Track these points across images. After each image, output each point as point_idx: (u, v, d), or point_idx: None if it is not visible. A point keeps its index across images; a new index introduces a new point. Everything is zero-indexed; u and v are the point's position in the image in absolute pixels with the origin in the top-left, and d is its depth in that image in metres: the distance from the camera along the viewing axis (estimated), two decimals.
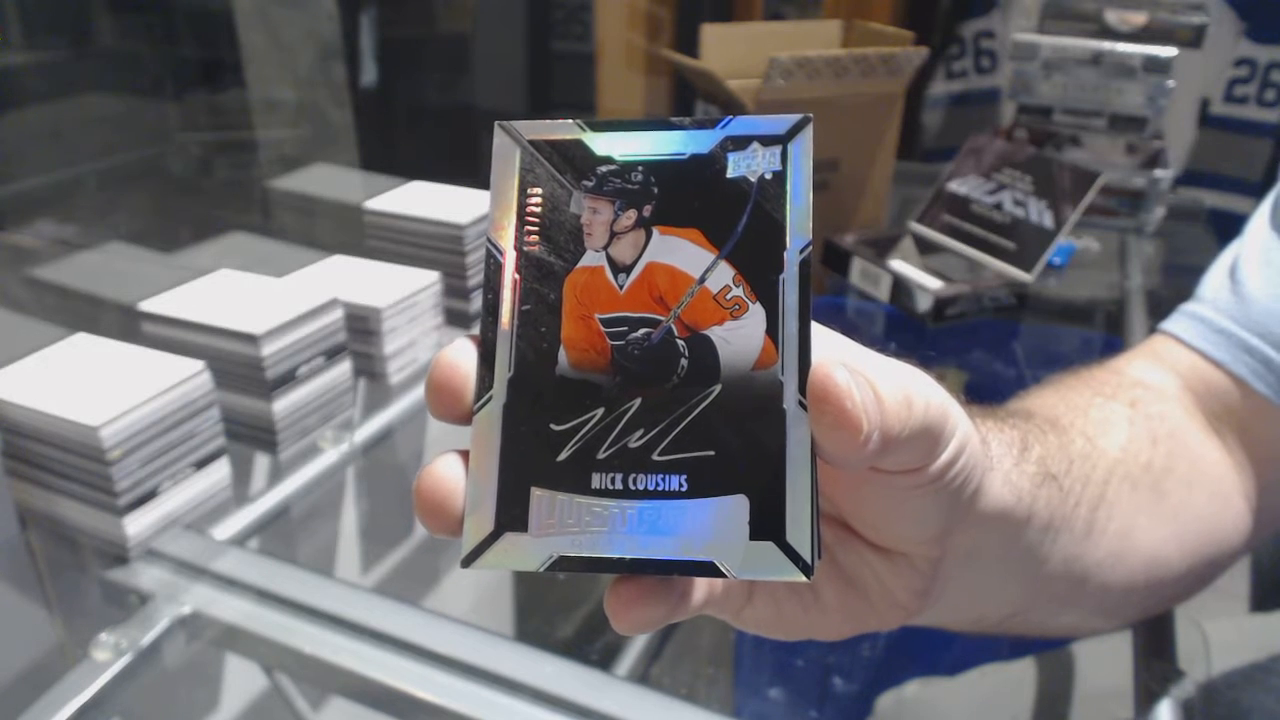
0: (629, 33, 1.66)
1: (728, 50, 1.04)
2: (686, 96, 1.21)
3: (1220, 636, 0.59)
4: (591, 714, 0.47)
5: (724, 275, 0.23)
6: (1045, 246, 0.93)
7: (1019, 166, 0.99)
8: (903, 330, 0.95)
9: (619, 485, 0.22)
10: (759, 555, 0.22)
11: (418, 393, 0.79)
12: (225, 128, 1.03)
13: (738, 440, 0.22)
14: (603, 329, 0.23)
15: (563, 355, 0.23)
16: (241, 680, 0.67)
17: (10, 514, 0.59)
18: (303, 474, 0.68)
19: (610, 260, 0.24)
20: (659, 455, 0.22)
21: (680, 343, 0.23)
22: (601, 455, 0.22)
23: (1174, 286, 1.02)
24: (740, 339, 0.23)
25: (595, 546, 0.22)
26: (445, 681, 0.49)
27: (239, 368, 0.65)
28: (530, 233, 0.24)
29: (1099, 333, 1.03)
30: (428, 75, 1.52)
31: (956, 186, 1.03)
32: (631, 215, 0.24)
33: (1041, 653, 0.66)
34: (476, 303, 0.84)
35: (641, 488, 0.22)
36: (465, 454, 0.23)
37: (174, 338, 0.66)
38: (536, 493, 0.22)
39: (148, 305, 0.67)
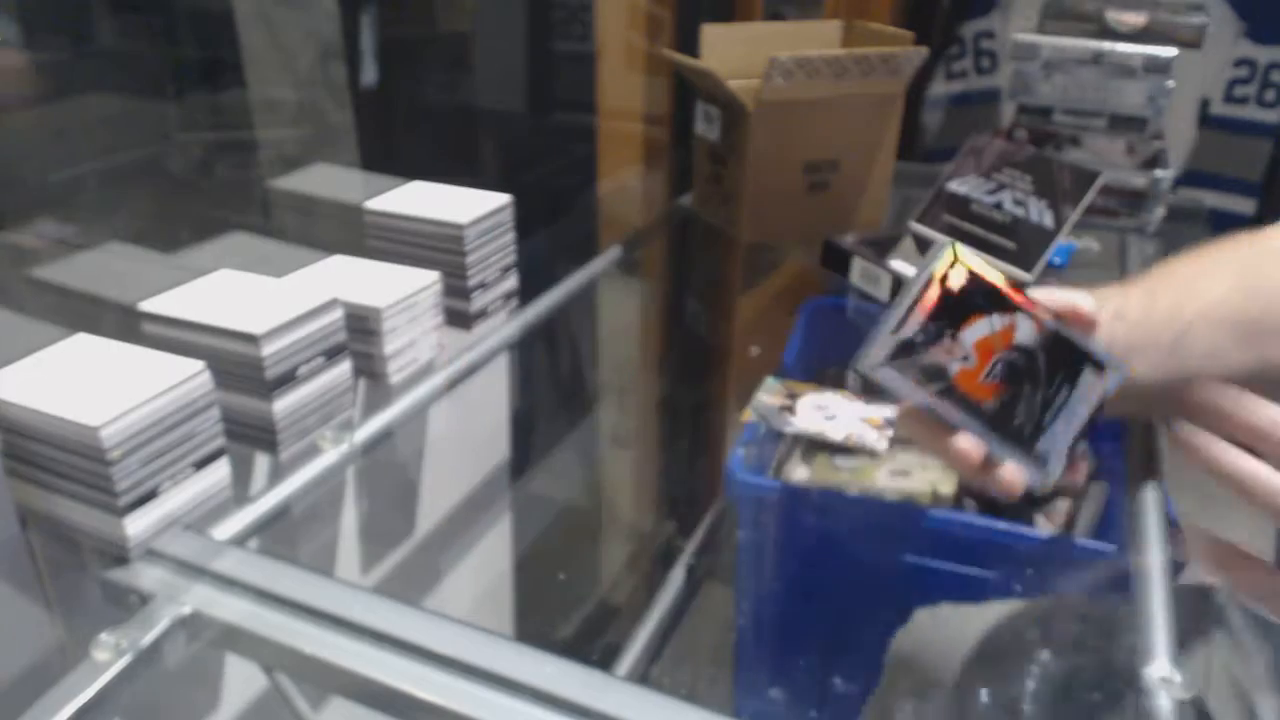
0: (629, 33, 1.66)
1: (728, 50, 1.04)
2: (687, 96, 1.21)
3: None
4: (591, 714, 0.47)
5: None
6: (1045, 246, 0.93)
7: (1019, 166, 0.99)
8: None
9: None
10: None
11: (418, 393, 0.78)
12: (225, 128, 1.03)
13: None
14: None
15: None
16: (241, 680, 0.67)
17: (10, 514, 0.59)
18: (303, 474, 0.68)
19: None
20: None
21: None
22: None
23: None
24: None
25: None
26: (445, 681, 0.49)
27: (239, 368, 0.65)
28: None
29: None
30: (428, 75, 1.52)
31: (956, 186, 1.03)
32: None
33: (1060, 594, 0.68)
34: (477, 303, 0.84)
35: None
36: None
37: (174, 338, 0.66)
38: None
39: (148, 305, 0.67)
